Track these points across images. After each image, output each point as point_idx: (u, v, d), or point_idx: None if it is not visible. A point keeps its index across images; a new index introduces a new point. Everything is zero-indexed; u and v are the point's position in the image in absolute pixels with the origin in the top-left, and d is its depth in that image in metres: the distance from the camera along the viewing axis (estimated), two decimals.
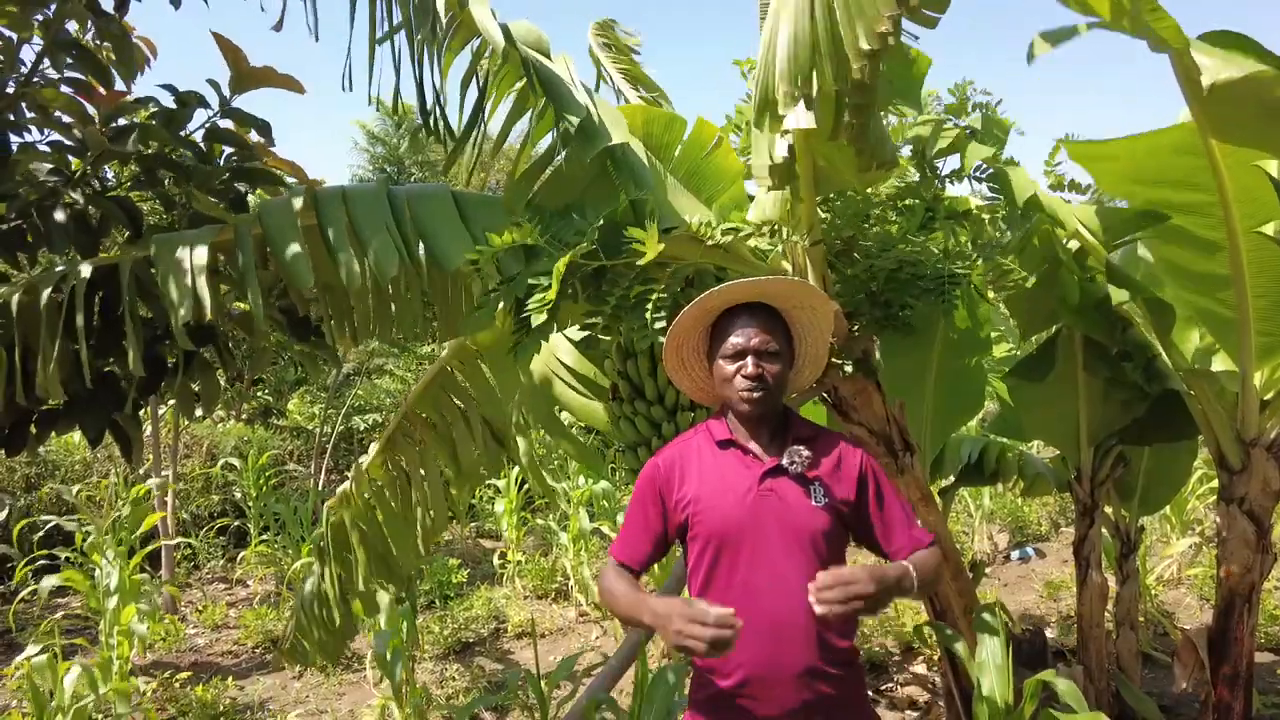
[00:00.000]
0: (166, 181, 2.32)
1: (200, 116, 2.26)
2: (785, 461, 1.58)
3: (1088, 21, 1.59)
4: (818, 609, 1.36)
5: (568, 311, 2.15)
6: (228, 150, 2.37)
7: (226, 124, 2.32)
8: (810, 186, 2.08)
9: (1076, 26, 1.59)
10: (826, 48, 1.58)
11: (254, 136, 2.39)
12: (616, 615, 1.70)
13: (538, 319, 1.83)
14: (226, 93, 2.23)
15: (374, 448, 3.16)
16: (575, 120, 2.02)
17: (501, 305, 1.98)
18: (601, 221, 1.90)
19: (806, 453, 1.59)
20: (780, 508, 1.57)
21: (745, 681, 1.56)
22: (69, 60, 2.10)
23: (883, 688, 4.08)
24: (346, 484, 3.15)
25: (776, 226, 2.27)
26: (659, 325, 1.86)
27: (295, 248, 1.90)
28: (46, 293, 1.81)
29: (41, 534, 6.02)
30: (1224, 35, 1.75)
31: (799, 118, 1.70)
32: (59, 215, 2.08)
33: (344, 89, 2.19)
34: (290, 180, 2.51)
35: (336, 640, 3.24)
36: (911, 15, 1.60)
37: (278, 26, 2.30)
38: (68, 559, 5.37)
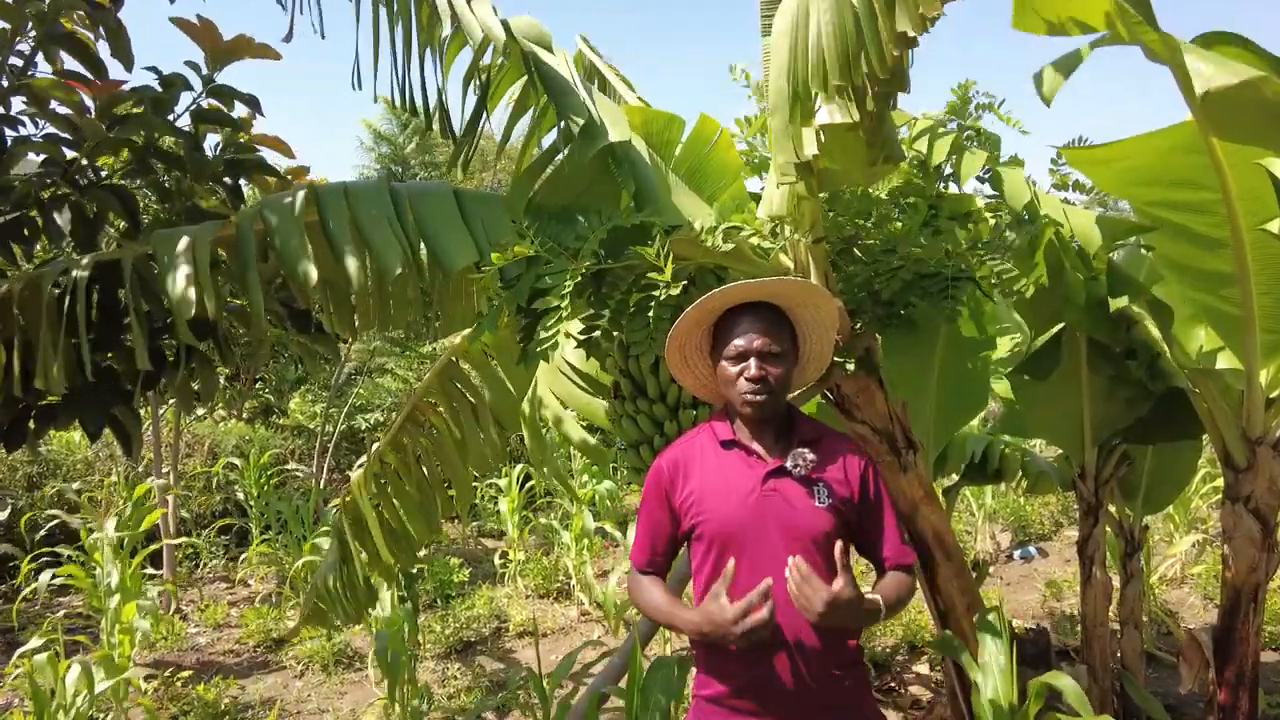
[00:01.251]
0: (159, 169, 2.31)
1: (185, 99, 2.25)
2: (789, 464, 1.58)
3: (1090, 41, 1.59)
4: (789, 588, 1.45)
5: (570, 310, 2.15)
6: (219, 140, 2.36)
7: (209, 104, 2.30)
8: (815, 183, 2.06)
9: (1079, 51, 1.59)
10: (870, 36, 1.57)
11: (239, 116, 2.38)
12: (650, 618, 1.74)
13: (549, 340, 1.82)
14: (205, 71, 2.21)
15: (389, 432, 3.20)
16: (577, 119, 2.01)
17: (504, 312, 1.97)
18: (601, 235, 1.88)
19: (811, 456, 1.59)
20: (784, 508, 1.56)
21: (750, 683, 1.55)
22: (63, 53, 2.10)
23: (886, 687, 4.07)
24: (362, 468, 3.18)
25: (778, 225, 2.26)
26: (663, 330, 1.85)
27: (298, 246, 1.89)
28: (48, 287, 1.81)
29: (43, 533, 6.03)
30: (1219, 36, 1.75)
31: (833, 111, 1.68)
32: (56, 208, 2.08)
33: (354, 88, 2.19)
34: (280, 163, 2.50)
35: (358, 608, 3.30)
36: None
37: (287, 38, 2.29)
38: (69, 557, 5.37)
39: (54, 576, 4.96)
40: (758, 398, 1.57)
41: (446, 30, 2.09)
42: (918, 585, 2.54)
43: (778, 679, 1.54)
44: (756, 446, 1.63)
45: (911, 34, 1.51)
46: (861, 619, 1.52)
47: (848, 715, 1.61)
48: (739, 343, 1.58)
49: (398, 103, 2.24)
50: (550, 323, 1.80)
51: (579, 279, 1.82)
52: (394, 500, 3.15)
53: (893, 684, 4.12)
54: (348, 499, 3.19)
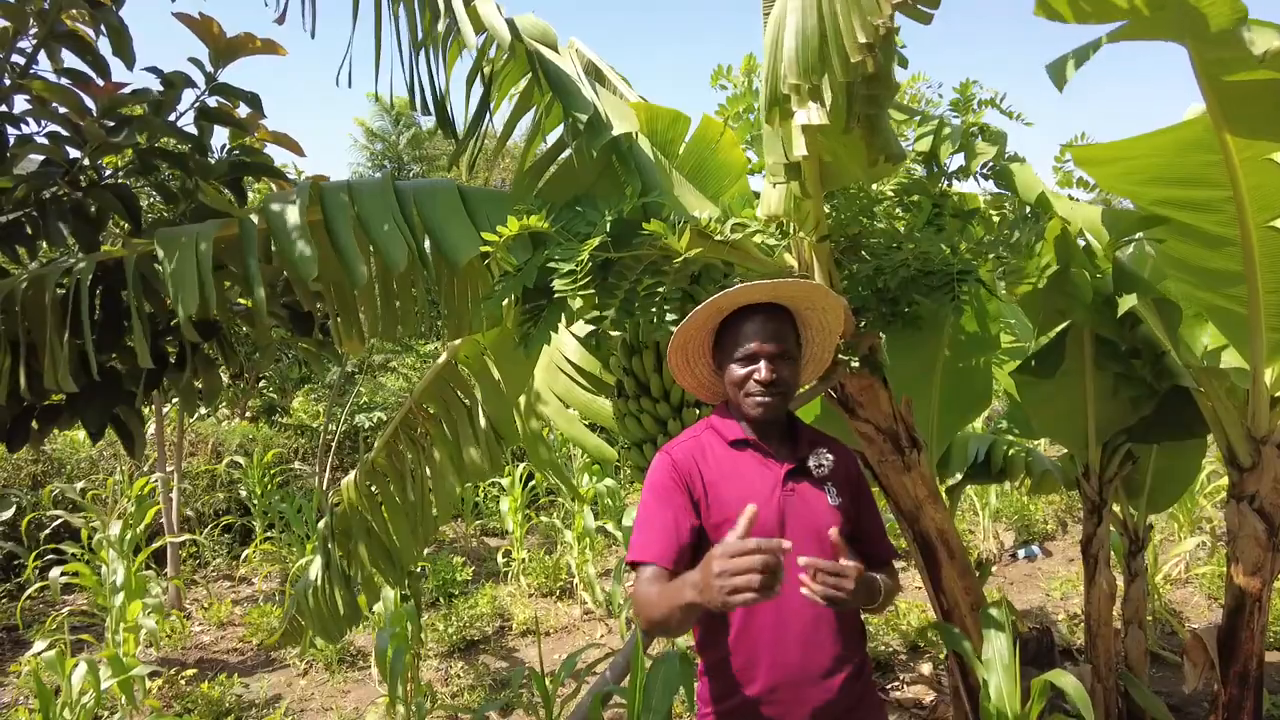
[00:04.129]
0: (162, 168, 2.31)
1: (189, 97, 2.25)
2: (813, 464, 1.58)
3: (1108, 31, 1.59)
4: (811, 588, 1.32)
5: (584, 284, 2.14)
6: (223, 138, 2.37)
7: (214, 102, 2.31)
8: (817, 182, 2.06)
9: (1099, 40, 1.59)
10: (834, 41, 1.57)
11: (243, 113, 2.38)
12: (660, 622, 1.39)
13: (572, 301, 1.81)
14: (209, 69, 2.22)
15: (380, 439, 3.17)
16: (582, 115, 2.00)
17: (509, 301, 1.97)
18: (612, 217, 1.88)
19: (830, 455, 1.60)
20: (804, 509, 1.56)
21: (775, 686, 1.53)
22: (65, 51, 2.11)
23: (888, 687, 4.06)
24: (353, 474, 3.16)
25: (784, 223, 2.25)
26: (670, 318, 1.85)
27: (301, 244, 1.89)
28: (52, 287, 1.81)
29: (48, 531, 6.05)
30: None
31: (810, 114, 1.68)
32: (58, 208, 2.08)
33: (337, 84, 2.20)
34: (287, 165, 2.50)
35: (339, 625, 3.25)
36: (906, 11, 1.58)
37: (280, 19, 2.29)
38: (74, 555, 5.39)
39: (62, 574, 4.98)
40: (768, 399, 1.56)
41: (448, 30, 2.09)
42: (922, 584, 2.54)
43: (802, 680, 1.53)
44: (768, 447, 1.62)
45: (863, 40, 1.50)
46: (866, 598, 1.46)
47: (863, 712, 1.61)
48: (749, 345, 1.56)
49: (402, 102, 2.24)
50: (567, 280, 1.79)
51: (589, 257, 1.81)
52: (383, 511, 3.12)
53: (895, 684, 4.12)
54: (338, 508, 3.17)
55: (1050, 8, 1.59)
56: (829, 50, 1.58)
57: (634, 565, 1.52)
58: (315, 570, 3.23)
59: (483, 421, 3.03)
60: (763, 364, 1.55)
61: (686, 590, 1.29)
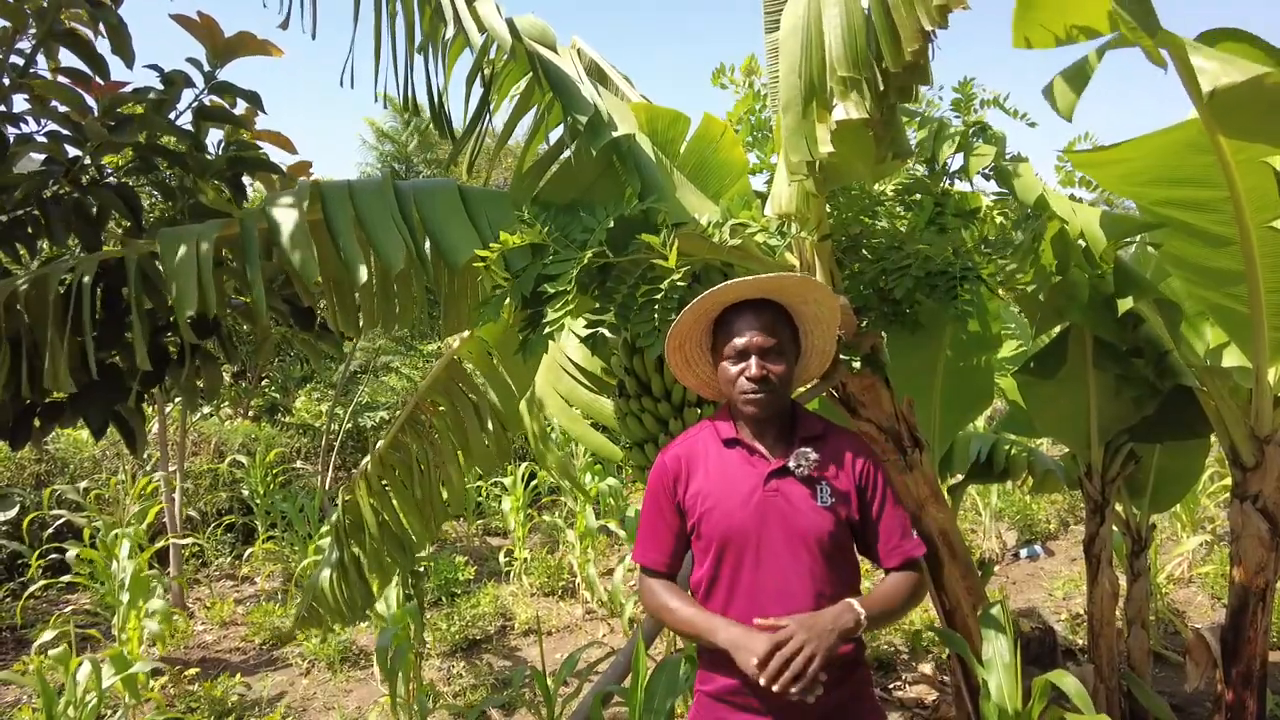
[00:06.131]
0: (163, 167, 2.32)
1: (188, 96, 2.26)
2: (792, 464, 1.57)
3: (1097, 46, 1.58)
4: (789, 689, 1.40)
5: (574, 306, 2.14)
6: (221, 137, 2.37)
7: (209, 100, 2.31)
8: (822, 179, 2.05)
9: (1088, 59, 1.59)
10: (883, 31, 1.55)
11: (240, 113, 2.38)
12: (674, 628, 1.63)
13: (556, 321, 1.81)
14: (207, 68, 2.23)
15: (388, 432, 3.19)
16: (582, 116, 2.00)
17: (508, 301, 1.97)
18: (609, 225, 1.88)
19: (814, 455, 1.58)
20: (786, 509, 1.55)
21: (750, 682, 1.54)
22: (64, 50, 2.11)
23: (890, 686, 4.06)
24: (363, 465, 3.18)
25: (784, 222, 2.25)
26: (671, 319, 1.85)
27: (301, 244, 1.89)
28: (54, 285, 1.82)
29: (51, 531, 6.06)
30: (1224, 33, 1.73)
31: (850, 108, 1.66)
32: (58, 206, 2.09)
33: (340, 84, 2.20)
34: (282, 159, 2.50)
35: (354, 613, 3.29)
36: None
37: (283, 25, 2.30)
38: (79, 556, 5.40)
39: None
40: (759, 396, 1.56)
41: (449, 31, 2.09)
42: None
43: None
44: (758, 445, 1.61)
45: (929, 28, 1.49)
46: (835, 632, 1.46)
47: (848, 713, 1.60)
48: (738, 341, 1.57)
49: (400, 101, 2.24)
50: (558, 306, 1.80)
51: (584, 265, 1.81)
52: (393, 501, 3.15)
53: (897, 684, 4.11)
54: (348, 499, 3.20)
55: (1034, 34, 1.60)
56: (879, 40, 1.57)
57: (641, 565, 1.70)
58: (330, 560, 3.26)
59: (488, 414, 3.05)
60: (753, 360, 1.55)
61: (720, 634, 1.50)
